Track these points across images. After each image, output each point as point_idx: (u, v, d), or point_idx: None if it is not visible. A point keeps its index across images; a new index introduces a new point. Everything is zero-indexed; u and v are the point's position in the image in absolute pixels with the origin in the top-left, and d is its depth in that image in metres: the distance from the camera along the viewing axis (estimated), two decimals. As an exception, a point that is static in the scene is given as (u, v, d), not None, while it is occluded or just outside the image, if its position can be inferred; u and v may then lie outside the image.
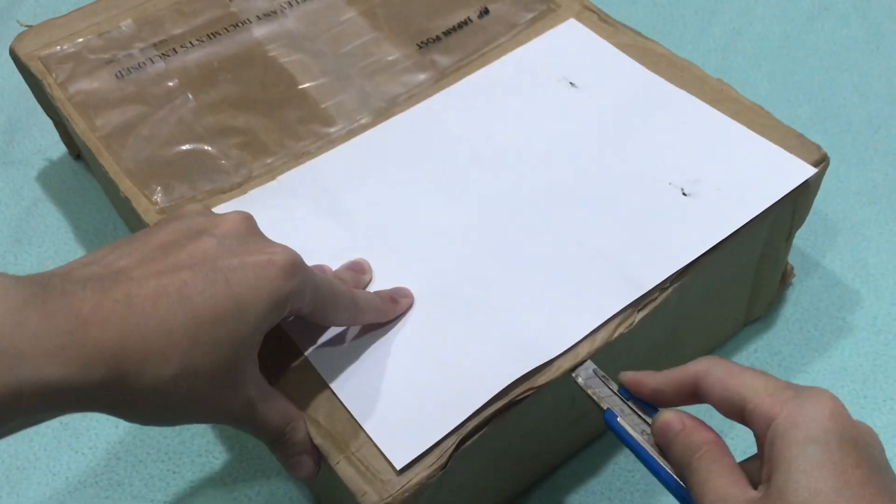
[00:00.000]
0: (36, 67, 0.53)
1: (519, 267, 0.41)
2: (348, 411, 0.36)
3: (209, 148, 0.48)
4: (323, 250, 0.41)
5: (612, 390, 0.36)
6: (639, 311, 0.39)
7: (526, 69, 0.51)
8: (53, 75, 0.52)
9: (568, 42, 0.52)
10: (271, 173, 0.47)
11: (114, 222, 0.59)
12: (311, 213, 0.44)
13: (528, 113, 0.48)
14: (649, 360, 0.44)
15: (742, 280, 0.47)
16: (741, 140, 0.45)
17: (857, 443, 0.29)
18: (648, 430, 0.34)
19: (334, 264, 0.41)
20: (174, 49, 0.53)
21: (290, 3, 0.55)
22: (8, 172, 0.63)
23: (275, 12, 0.55)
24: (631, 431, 0.34)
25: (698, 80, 0.48)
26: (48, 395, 0.28)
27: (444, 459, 0.35)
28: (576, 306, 0.39)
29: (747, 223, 0.41)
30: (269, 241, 0.35)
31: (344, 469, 0.35)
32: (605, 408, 0.36)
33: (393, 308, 0.39)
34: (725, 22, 0.69)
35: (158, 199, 0.45)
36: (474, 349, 0.38)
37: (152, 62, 0.52)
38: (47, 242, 0.58)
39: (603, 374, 0.37)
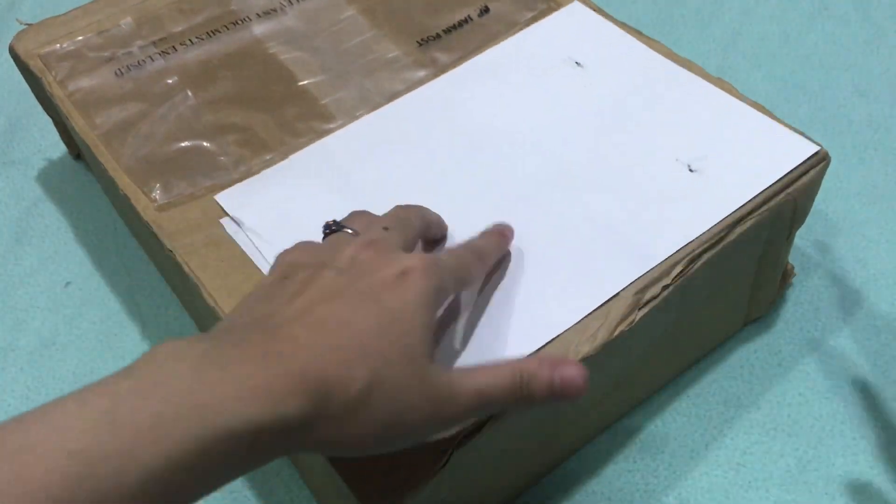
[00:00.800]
0: (35, 65, 0.53)
1: (527, 243, 0.42)
2: None
3: (208, 144, 0.48)
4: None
5: None
6: (639, 308, 0.39)
7: (531, 50, 0.51)
8: (53, 73, 0.52)
9: (572, 23, 0.53)
10: (269, 167, 0.47)
11: (114, 222, 0.59)
12: (323, 190, 0.45)
13: (534, 92, 0.49)
14: (646, 360, 0.44)
15: (742, 279, 0.47)
16: (745, 118, 0.46)
17: None
18: None
19: None
20: (174, 47, 0.53)
21: (289, 1, 0.55)
22: (8, 172, 0.63)
23: (274, 10, 0.55)
24: None
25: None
26: (244, 440, 0.26)
27: (444, 459, 0.35)
28: (585, 280, 0.40)
29: (751, 207, 0.42)
30: (391, 250, 0.34)
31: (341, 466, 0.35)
32: None
33: (506, 238, 0.41)
34: (725, 22, 0.69)
35: (157, 196, 0.45)
36: (483, 325, 0.38)
37: (152, 60, 0.52)
38: (47, 242, 0.58)
39: None
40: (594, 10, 0.53)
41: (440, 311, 0.34)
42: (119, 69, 0.52)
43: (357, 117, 0.49)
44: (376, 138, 0.47)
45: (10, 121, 0.66)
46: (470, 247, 0.38)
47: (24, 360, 0.52)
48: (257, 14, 0.55)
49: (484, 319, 0.39)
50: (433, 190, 0.44)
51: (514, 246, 0.41)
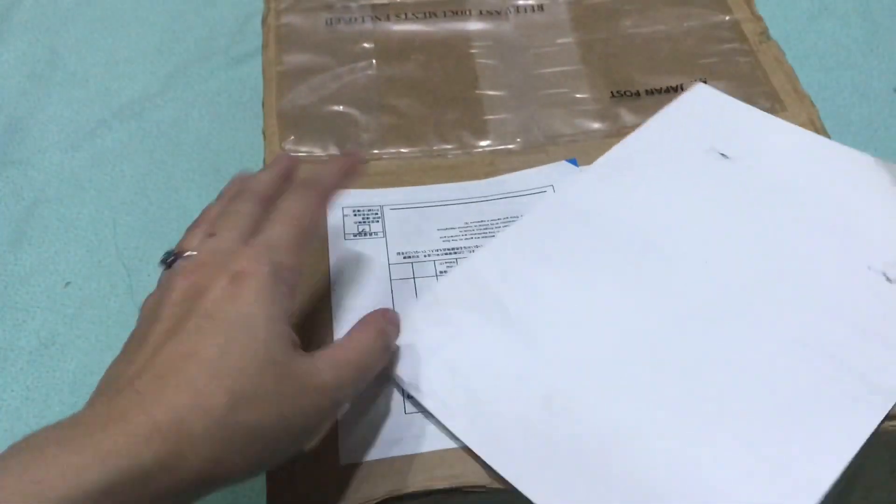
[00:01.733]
0: None
1: (726, 377, 0.35)
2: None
3: (359, 117, 0.49)
4: (502, 366, 0.37)
5: None
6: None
7: (667, 141, 0.46)
8: (277, 1, 0.55)
9: (703, 107, 0.48)
10: (399, 160, 0.47)
11: (114, 222, 0.59)
12: (479, 322, 0.39)
13: (684, 191, 0.43)
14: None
15: None
16: None
17: None
18: None
19: (513, 382, 0.37)
20: (388, 15, 0.55)
21: (517, 10, 0.55)
22: (8, 172, 0.63)
23: (499, 13, 0.55)
24: None
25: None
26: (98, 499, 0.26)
27: None
28: (827, 424, 0.33)
29: None
30: (219, 260, 0.33)
31: None
32: None
33: (350, 162, 0.39)
34: (725, 22, 0.69)
35: (287, 147, 0.47)
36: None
37: (362, 21, 0.54)
38: (47, 242, 0.58)
39: None
40: (720, 91, 0.48)
41: (286, 287, 0.33)
42: (330, 19, 0.54)
43: (505, 143, 0.48)
44: (523, 254, 0.41)
45: (10, 121, 0.66)
46: (302, 184, 0.37)
47: (24, 360, 0.52)
48: (481, 11, 0.55)
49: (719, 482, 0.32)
50: (601, 315, 0.38)
51: (705, 378, 0.35)
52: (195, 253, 0.34)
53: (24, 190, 0.61)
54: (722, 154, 0.44)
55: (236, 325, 0.30)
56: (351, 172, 0.39)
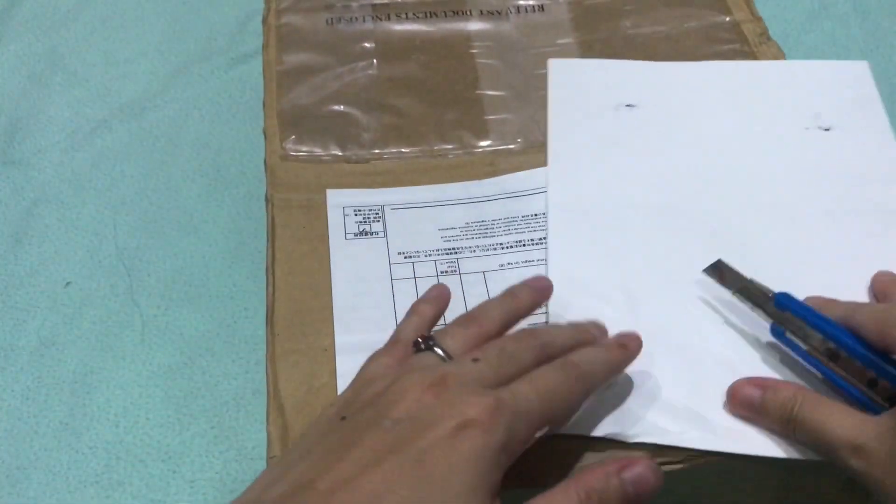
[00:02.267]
0: None
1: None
2: None
3: (360, 116, 0.49)
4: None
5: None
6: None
7: (580, 118, 0.49)
8: (277, 1, 0.55)
9: (577, 77, 0.51)
10: (400, 160, 0.47)
11: (114, 223, 0.59)
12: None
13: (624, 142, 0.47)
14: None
15: None
16: None
17: None
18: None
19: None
20: (388, 15, 0.55)
21: (517, 9, 0.55)
22: (8, 172, 0.63)
23: (500, 12, 0.55)
24: (802, 344, 0.36)
25: None
26: None
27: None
28: None
29: None
30: (460, 393, 0.30)
31: None
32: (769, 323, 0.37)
33: (624, 355, 0.36)
34: (725, 22, 0.69)
35: (287, 147, 0.47)
36: None
37: (363, 20, 0.54)
38: (47, 242, 0.58)
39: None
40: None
41: (507, 459, 0.30)
42: (331, 18, 0.54)
43: (506, 144, 0.48)
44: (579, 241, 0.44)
45: (10, 121, 0.66)
46: (569, 363, 0.33)
47: (24, 360, 0.52)
48: (481, 11, 0.55)
49: None
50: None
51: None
52: (447, 358, 0.33)
53: (24, 190, 0.61)
54: (628, 105, 0.49)
55: (434, 483, 0.28)
56: (617, 371, 0.36)
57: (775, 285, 0.38)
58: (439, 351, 0.34)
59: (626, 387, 0.37)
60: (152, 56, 0.70)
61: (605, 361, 0.35)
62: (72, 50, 0.71)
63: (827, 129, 0.47)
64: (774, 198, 0.44)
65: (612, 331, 0.38)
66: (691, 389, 0.37)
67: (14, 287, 0.56)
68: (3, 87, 0.68)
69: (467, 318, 0.36)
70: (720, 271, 0.40)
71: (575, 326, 0.37)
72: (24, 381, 0.51)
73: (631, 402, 0.37)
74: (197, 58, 0.70)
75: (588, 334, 0.36)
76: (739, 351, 0.39)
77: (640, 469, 0.30)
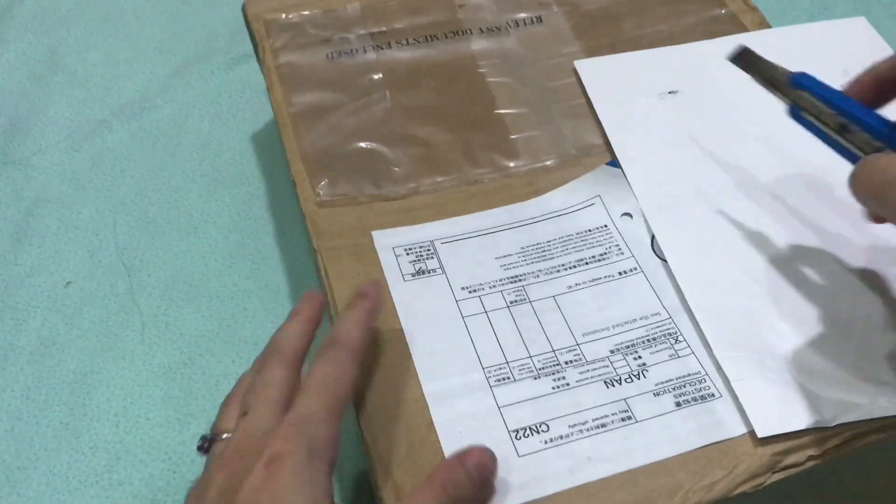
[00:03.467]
0: (258, 29, 0.54)
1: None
2: None
3: (387, 151, 0.47)
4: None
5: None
6: (773, 472, 0.36)
7: (625, 112, 0.49)
8: (271, 41, 0.53)
9: (608, 74, 0.51)
10: (437, 192, 0.46)
11: (114, 223, 0.59)
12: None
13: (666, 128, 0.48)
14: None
15: None
16: None
17: None
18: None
19: None
20: (389, 43, 0.53)
21: (516, 23, 0.54)
22: (8, 172, 0.63)
23: (499, 29, 0.54)
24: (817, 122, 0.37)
25: None
26: None
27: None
28: None
29: None
30: (253, 443, 0.33)
31: None
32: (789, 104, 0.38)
33: (369, 301, 0.38)
34: (725, 22, 0.69)
35: (321, 192, 0.46)
36: None
37: (364, 51, 0.53)
38: (47, 242, 0.58)
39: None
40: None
41: (322, 463, 0.32)
42: (331, 53, 0.52)
43: (541, 161, 0.47)
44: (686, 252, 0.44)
45: (10, 121, 0.66)
46: (327, 344, 0.36)
47: (24, 360, 0.52)
48: (480, 29, 0.54)
49: None
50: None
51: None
52: (229, 436, 0.34)
53: (24, 190, 0.61)
54: (671, 92, 0.50)
55: None
56: (372, 319, 0.38)
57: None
58: (219, 437, 0.36)
59: (803, 373, 0.37)
60: (152, 56, 0.71)
61: (356, 319, 0.37)
62: (72, 50, 0.71)
63: None
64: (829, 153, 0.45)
65: (756, 320, 0.39)
66: (859, 358, 0.38)
67: (14, 287, 0.56)
68: (3, 87, 0.68)
69: (229, 398, 0.38)
70: (744, 57, 0.40)
71: (292, 315, 0.39)
72: (24, 381, 0.51)
73: (813, 387, 0.37)
74: (197, 58, 0.70)
75: (306, 309, 0.38)
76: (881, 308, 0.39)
77: (476, 455, 0.34)
